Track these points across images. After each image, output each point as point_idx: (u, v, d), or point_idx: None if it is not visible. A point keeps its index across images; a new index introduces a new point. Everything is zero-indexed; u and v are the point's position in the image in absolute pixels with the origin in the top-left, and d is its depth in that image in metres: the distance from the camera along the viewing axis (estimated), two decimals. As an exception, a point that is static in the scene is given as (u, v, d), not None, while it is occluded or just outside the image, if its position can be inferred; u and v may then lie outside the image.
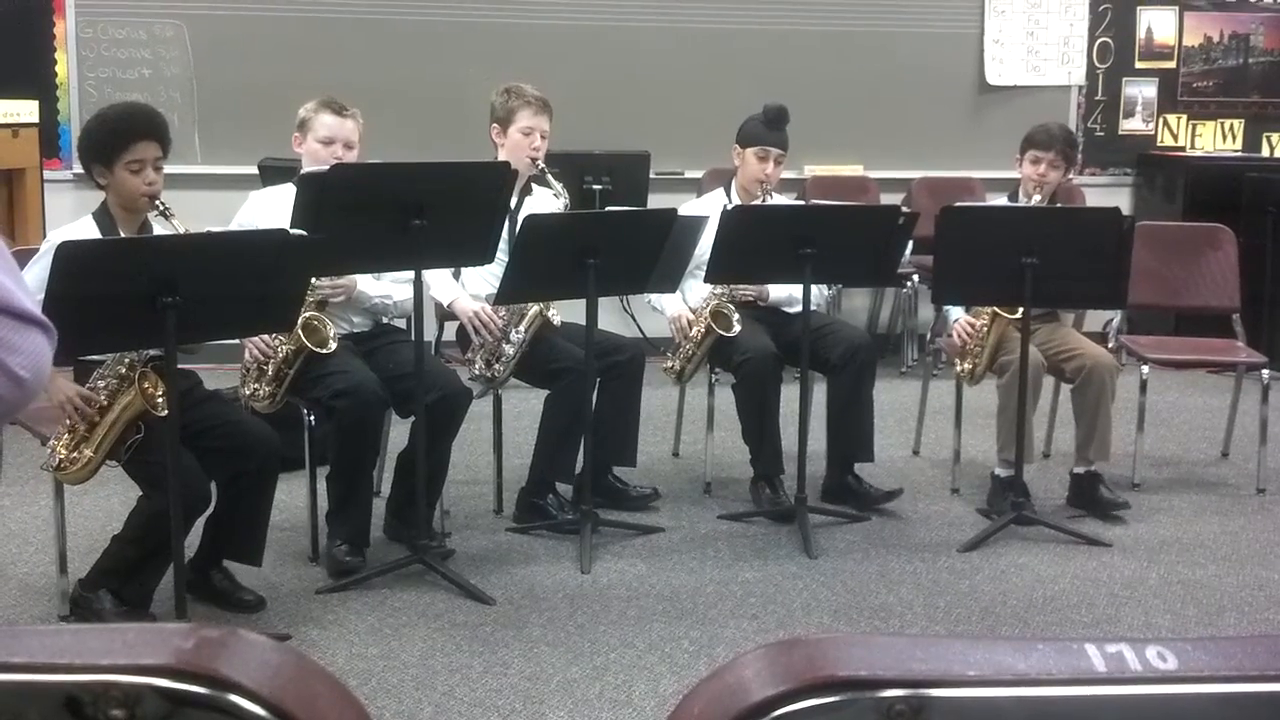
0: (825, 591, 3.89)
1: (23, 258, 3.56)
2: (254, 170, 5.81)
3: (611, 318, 6.01)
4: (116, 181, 3.46)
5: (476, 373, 4.35)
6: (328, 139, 4.05)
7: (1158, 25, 7.62)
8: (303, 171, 3.93)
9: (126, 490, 3.74)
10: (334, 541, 3.92)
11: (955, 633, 3.60)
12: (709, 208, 4.60)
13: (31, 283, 3.16)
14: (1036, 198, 4.67)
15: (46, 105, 6.32)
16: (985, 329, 4.57)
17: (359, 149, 4.15)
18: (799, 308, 4.34)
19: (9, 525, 4.22)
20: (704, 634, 3.56)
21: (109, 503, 4.29)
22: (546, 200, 4.46)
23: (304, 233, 3.39)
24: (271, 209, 3.95)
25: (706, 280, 4.40)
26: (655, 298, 4.69)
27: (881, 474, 4.77)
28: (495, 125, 4.48)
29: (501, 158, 4.38)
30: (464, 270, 4.45)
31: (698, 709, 0.67)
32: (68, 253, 2.92)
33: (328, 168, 3.72)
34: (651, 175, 6.39)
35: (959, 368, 4.69)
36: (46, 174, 6.10)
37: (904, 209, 4.45)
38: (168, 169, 3.55)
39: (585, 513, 4.16)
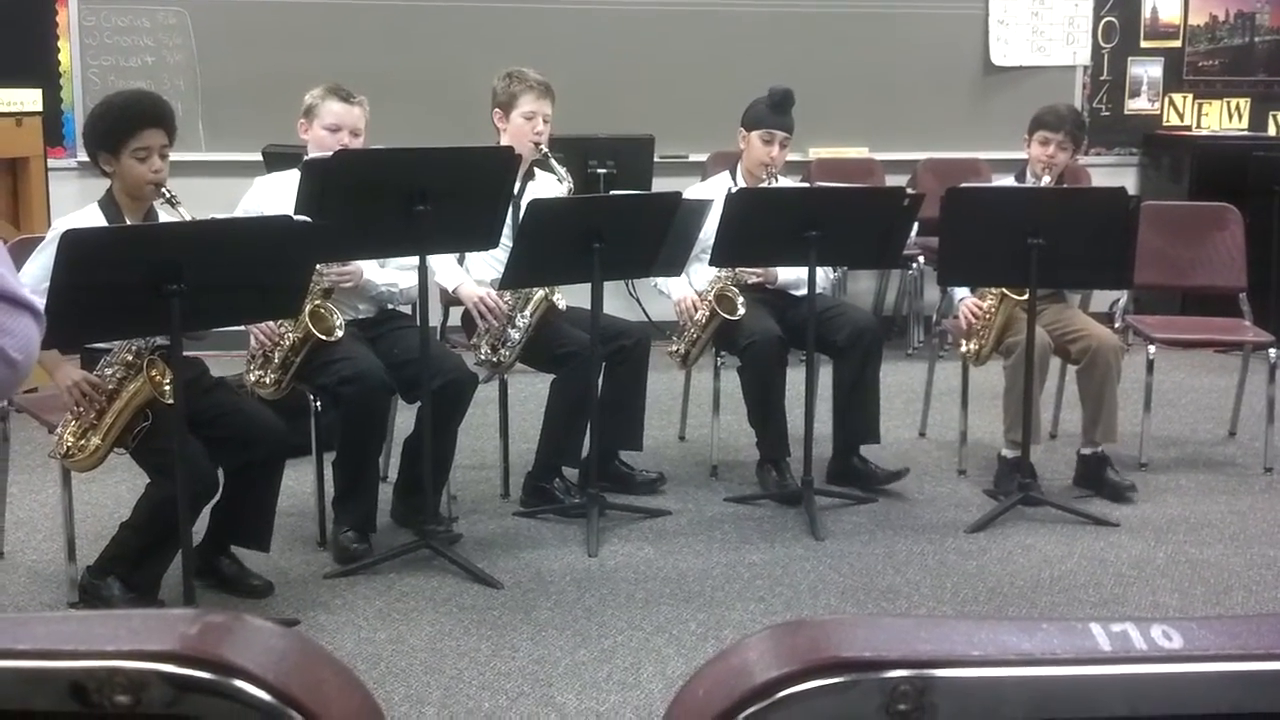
0: (832, 573, 3.90)
1: (28, 246, 3.57)
2: (258, 157, 5.80)
3: (617, 302, 6.00)
4: (122, 169, 3.45)
5: (482, 358, 4.35)
6: (334, 126, 4.05)
7: (1163, 4, 7.59)
8: (307, 157, 3.93)
9: (134, 477, 3.75)
10: (341, 528, 3.93)
11: (960, 613, 3.61)
12: (714, 191, 4.59)
13: (37, 271, 3.20)
14: (1046, 179, 4.65)
15: (50, 94, 6.31)
16: (991, 310, 4.56)
17: (364, 136, 4.15)
18: (805, 290, 4.34)
19: (17, 513, 4.24)
20: (711, 616, 3.57)
21: (117, 490, 4.30)
22: (550, 185, 4.45)
23: (308, 219, 3.39)
24: (276, 195, 3.94)
25: (711, 263, 4.40)
26: (661, 281, 4.69)
27: (888, 456, 4.78)
28: (497, 110, 4.47)
29: (504, 142, 4.37)
30: (468, 255, 4.44)
31: (703, 691, 0.68)
32: (72, 241, 2.93)
33: (332, 153, 3.72)
34: (656, 159, 6.37)
35: (965, 349, 4.69)
36: (50, 162, 6.08)
37: (909, 191, 4.44)
38: (172, 156, 3.55)
39: (592, 496, 4.16)
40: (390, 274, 4.18)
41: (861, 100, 7.17)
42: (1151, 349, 4.96)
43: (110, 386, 3.40)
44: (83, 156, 3.72)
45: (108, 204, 3.52)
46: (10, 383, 1.38)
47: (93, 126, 3.51)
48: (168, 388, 3.33)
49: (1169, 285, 5.59)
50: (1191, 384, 6.24)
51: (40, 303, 2.92)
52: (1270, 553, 4.11)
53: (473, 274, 4.44)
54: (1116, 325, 5.18)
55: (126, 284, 3.01)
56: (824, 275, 4.68)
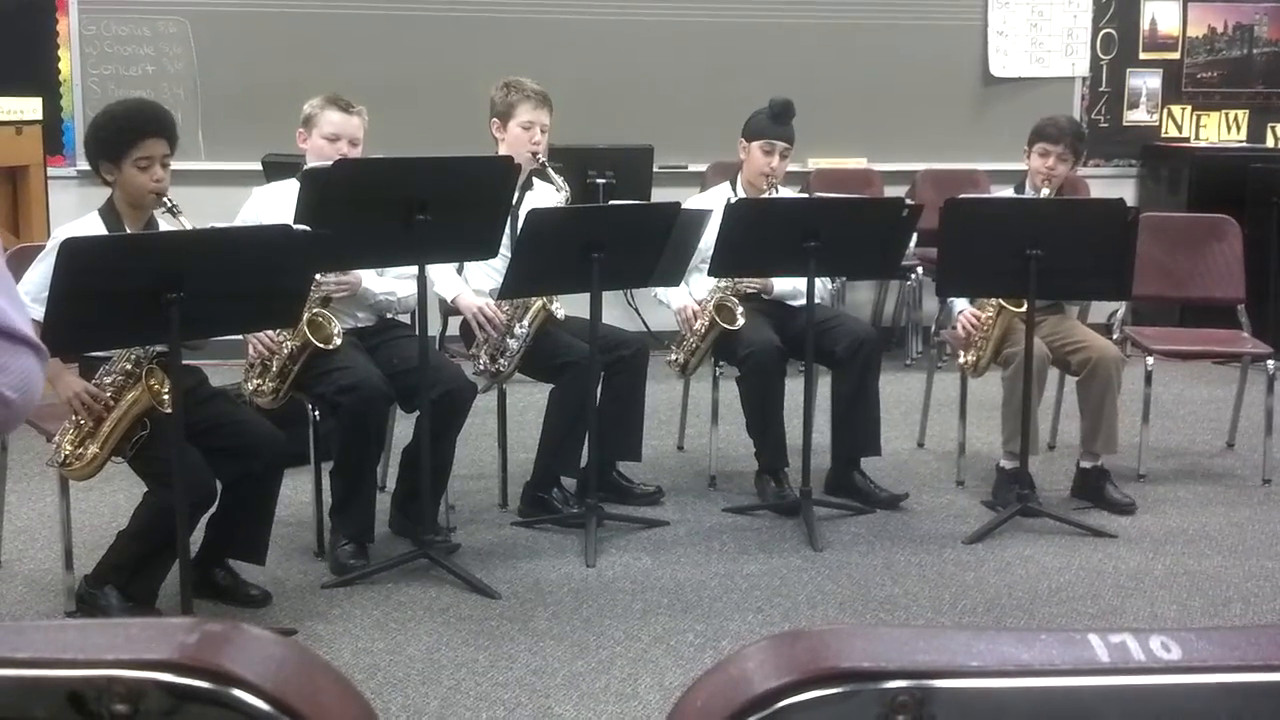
0: (830, 584, 3.89)
1: (27, 255, 3.57)
2: (258, 166, 5.81)
3: (615, 312, 6.01)
4: (124, 178, 3.45)
5: (481, 367, 4.35)
6: (333, 135, 4.05)
7: (1162, 16, 7.61)
8: (306, 167, 3.93)
9: (132, 486, 3.75)
10: (338, 540, 3.92)
11: (959, 624, 3.60)
12: (713, 201, 4.59)
13: (37, 279, 3.20)
14: (1046, 191, 4.66)
15: (50, 102, 6.32)
16: (990, 321, 4.56)
17: (363, 145, 4.15)
18: (803, 301, 4.34)
19: (15, 521, 4.23)
20: (709, 627, 3.56)
21: (115, 499, 4.29)
22: (548, 195, 4.45)
23: (308, 228, 3.39)
24: (275, 205, 3.94)
25: (711, 273, 4.39)
26: (660, 291, 4.69)
27: (886, 467, 4.78)
28: (495, 120, 4.48)
29: (502, 152, 4.37)
30: (467, 265, 4.44)
31: (701, 701, 0.67)
32: (72, 249, 2.93)
33: (331, 163, 3.72)
34: (655, 169, 6.38)
35: (963, 360, 4.69)
36: (50, 171, 6.10)
37: (908, 201, 4.44)
38: (171, 165, 3.55)
39: (590, 506, 4.16)
40: (388, 283, 4.17)
41: (860, 111, 7.18)
42: (1150, 360, 4.96)
43: (109, 395, 3.40)
44: (82, 165, 3.72)
45: (108, 212, 3.52)
46: (7, 421, 1.37)
47: (94, 135, 3.51)
48: (166, 396, 3.32)
49: (1167, 297, 5.60)
50: (1190, 395, 6.24)
51: (39, 311, 2.91)
52: (1268, 564, 4.10)
53: (471, 284, 4.44)
54: (1115, 336, 5.18)
55: (126, 292, 3.00)
56: (823, 285, 4.68)
